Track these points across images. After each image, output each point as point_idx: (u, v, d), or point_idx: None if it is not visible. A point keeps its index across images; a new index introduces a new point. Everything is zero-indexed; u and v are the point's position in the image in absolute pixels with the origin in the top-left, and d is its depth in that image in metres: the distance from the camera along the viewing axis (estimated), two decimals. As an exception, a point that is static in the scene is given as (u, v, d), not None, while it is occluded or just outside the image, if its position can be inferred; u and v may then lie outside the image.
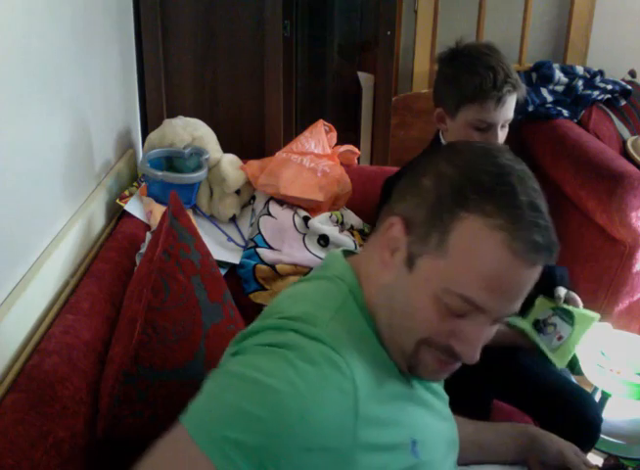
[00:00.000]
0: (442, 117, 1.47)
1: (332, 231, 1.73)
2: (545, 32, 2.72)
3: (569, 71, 2.56)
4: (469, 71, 1.37)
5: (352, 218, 1.87)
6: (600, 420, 1.38)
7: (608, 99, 2.43)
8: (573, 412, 1.34)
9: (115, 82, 1.83)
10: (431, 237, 0.70)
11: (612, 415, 1.85)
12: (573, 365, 1.73)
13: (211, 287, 1.16)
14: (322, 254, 1.71)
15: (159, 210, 1.63)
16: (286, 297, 0.80)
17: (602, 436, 1.66)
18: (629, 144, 2.32)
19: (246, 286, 1.69)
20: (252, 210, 1.85)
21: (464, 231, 0.67)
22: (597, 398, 1.81)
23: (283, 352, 0.66)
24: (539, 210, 0.68)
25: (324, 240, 1.73)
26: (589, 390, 1.69)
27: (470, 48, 1.43)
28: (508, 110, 1.39)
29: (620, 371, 1.70)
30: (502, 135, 1.42)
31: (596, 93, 2.41)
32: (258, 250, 1.70)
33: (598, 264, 1.98)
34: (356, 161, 2.04)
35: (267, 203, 1.81)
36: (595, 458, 1.77)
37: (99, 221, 1.58)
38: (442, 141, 1.52)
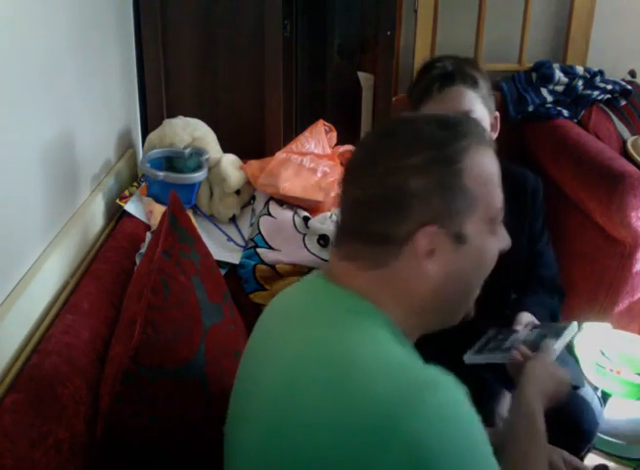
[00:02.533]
0: None
1: (331, 230, 1.73)
2: (545, 32, 2.71)
3: (569, 71, 2.56)
4: (417, 78, 1.39)
5: (352, 218, 1.87)
6: (596, 426, 1.37)
7: (608, 99, 2.43)
8: (569, 419, 1.34)
9: (115, 82, 1.83)
10: (458, 206, 0.75)
11: (612, 415, 1.85)
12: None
13: (211, 287, 1.16)
14: (322, 254, 1.71)
15: (159, 210, 1.63)
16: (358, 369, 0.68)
17: (602, 436, 1.66)
18: (629, 144, 2.32)
19: (246, 286, 1.69)
20: (252, 210, 1.85)
21: (471, 173, 0.75)
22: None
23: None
24: None
25: (324, 240, 1.73)
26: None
27: (425, 63, 1.42)
28: (452, 101, 1.30)
29: (620, 371, 1.70)
30: None
31: (596, 93, 2.41)
32: (258, 250, 1.70)
33: (598, 264, 1.98)
34: (356, 161, 2.04)
35: (267, 203, 1.81)
36: (594, 458, 1.77)
37: (99, 221, 1.58)
38: None
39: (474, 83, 1.33)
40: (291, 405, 0.69)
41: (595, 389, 1.81)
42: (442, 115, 0.81)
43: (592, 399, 1.46)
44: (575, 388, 1.46)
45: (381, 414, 0.63)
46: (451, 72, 1.32)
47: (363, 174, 0.78)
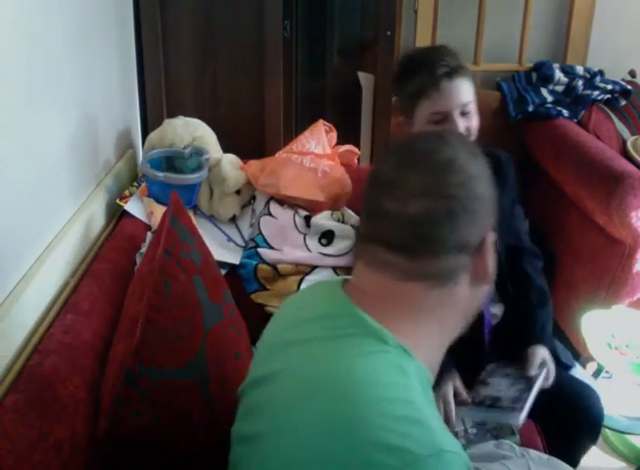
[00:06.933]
0: (402, 127, 1.45)
1: (336, 225, 1.74)
2: (545, 32, 2.72)
3: (569, 71, 2.56)
4: (408, 72, 1.39)
5: (352, 218, 1.87)
6: (602, 415, 1.39)
7: (608, 99, 2.43)
8: (577, 408, 1.36)
9: (116, 82, 1.83)
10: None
11: (611, 414, 1.85)
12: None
13: (212, 287, 1.16)
14: (323, 253, 1.71)
15: (159, 210, 1.63)
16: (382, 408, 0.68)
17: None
18: (629, 144, 2.32)
19: (247, 286, 1.69)
20: (253, 210, 1.85)
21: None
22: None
23: None
24: None
25: (327, 238, 1.73)
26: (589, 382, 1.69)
27: (407, 52, 1.47)
28: (457, 95, 1.35)
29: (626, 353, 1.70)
30: (464, 122, 1.36)
31: (596, 93, 2.41)
32: (259, 250, 1.70)
33: (598, 264, 1.98)
34: (356, 161, 2.04)
35: (267, 203, 1.80)
36: (597, 459, 1.77)
37: (99, 221, 1.57)
38: None
39: (469, 74, 1.39)
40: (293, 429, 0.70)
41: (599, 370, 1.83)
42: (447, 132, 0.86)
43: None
44: (567, 368, 1.48)
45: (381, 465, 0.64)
46: (451, 64, 1.34)
47: (418, 189, 0.74)
